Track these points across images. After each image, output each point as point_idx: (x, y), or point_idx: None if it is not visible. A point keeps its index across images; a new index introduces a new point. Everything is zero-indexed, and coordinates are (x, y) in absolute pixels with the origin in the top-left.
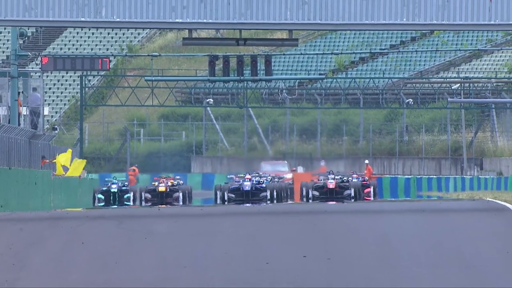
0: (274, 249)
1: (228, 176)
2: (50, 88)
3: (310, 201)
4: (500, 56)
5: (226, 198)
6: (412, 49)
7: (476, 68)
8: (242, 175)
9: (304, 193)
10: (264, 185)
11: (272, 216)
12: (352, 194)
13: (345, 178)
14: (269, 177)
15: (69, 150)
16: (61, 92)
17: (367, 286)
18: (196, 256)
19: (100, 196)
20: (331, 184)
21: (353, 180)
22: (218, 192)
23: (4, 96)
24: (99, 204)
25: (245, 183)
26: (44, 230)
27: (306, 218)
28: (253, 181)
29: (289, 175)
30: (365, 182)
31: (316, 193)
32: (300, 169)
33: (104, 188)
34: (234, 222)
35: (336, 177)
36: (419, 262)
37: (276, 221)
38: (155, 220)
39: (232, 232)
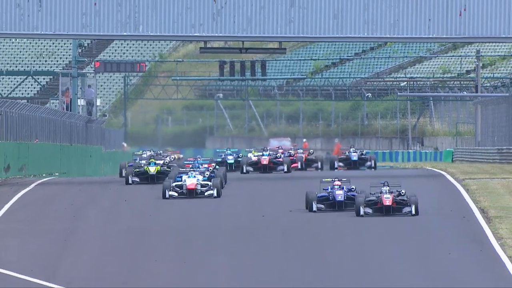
0: (268, 206)
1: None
2: (101, 85)
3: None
4: (436, 61)
5: (315, 208)
6: (371, 56)
7: (419, 70)
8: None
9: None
10: (356, 193)
11: (266, 180)
12: (373, 165)
13: (365, 151)
14: (290, 152)
15: None
16: (110, 88)
17: (336, 227)
18: (210, 211)
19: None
20: (355, 155)
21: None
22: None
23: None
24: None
25: (337, 192)
26: (97, 191)
27: (292, 182)
28: (344, 188)
29: (291, 150)
30: (363, 156)
31: (341, 164)
32: (287, 143)
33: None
34: (237, 186)
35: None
36: None
37: (269, 184)
38: None
39: (235, 194)
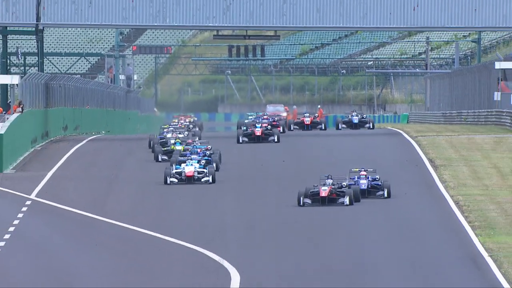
0: (265, 158)
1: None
2: (137, 64)
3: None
4: (396, 45)
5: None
6: (345, 41)
7: (382, 52)
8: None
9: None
10: (380, 182)
11: (261, 144)
12: (371, 126)
13: (365, 115)
14: (273, 117)
15: None
16: (144, 66)
17: (317, 171)
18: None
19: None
20: (356, 119)
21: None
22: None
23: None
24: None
25: (361, 181)
26: (134, 146)
27: (285, 139)
28: (369, 178)
29: (284, 113)
30: (363, 119)
31: (344, 126)
32: (281, 108)
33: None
34: (242, 146)
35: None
36: (349, 161)
37: (266, 144)
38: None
39: (241, 150)
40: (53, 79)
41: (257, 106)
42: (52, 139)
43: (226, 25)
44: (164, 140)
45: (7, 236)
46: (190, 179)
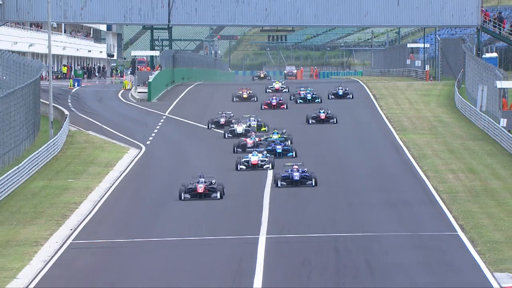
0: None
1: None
2: (220, 45)
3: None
4: (355, 35)
5: (279, 185)
6: (330, 33)
7: (349, 38)
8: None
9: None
10: (309, 173)
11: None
12: (352, 97)
13: (347, 89)
14: (280, 97)
15: None
16: (223, 46)
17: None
18: (236, 107)
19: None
20: (341, 91)
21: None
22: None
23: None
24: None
25: (294, 173)
26: (218, 87)
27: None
28: (300, 171)
29: (295, 71)
30: (346, 91)
31: (332, 96)
32: (293, 67)
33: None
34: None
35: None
36: (335, 104)
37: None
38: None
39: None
40: (177, 53)
41: (283, 67)
42: (176, 84)
43: (266, 24)
44: (234, 130)
45: (153, 135)
46: (255, 167)
